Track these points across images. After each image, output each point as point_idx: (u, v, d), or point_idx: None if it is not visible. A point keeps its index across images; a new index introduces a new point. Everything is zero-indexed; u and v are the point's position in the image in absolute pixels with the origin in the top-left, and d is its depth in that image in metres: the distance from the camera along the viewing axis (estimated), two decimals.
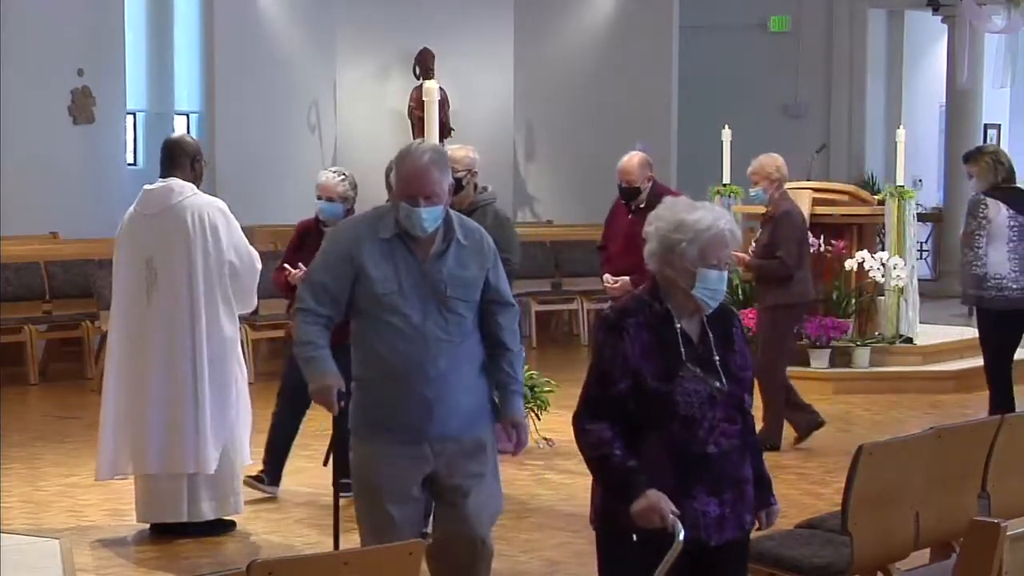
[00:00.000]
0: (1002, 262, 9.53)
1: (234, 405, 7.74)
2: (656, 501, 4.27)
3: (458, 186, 8.15)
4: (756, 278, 9.98)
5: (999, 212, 9.56)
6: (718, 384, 4.40)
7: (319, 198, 8.58)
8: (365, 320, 5.29)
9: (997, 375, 9.79)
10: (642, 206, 9.30)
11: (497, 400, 5.43)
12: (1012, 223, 9.56)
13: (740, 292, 13.23)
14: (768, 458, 10.44)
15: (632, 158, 9.44)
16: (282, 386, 8.67)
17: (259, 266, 7.82)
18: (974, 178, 9.79)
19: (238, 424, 7.79)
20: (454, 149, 8.35)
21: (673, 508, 4.29)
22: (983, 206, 9.59)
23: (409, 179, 5.21)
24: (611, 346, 4.40)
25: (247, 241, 7.84)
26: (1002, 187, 9.65)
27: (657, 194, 9.40)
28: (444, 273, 5.26)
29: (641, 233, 9.91)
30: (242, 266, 7.71)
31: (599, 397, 4.40)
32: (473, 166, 8.33)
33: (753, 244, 10.14)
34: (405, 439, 5.27)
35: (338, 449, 5.72)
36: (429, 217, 5.20)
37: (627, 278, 9.05)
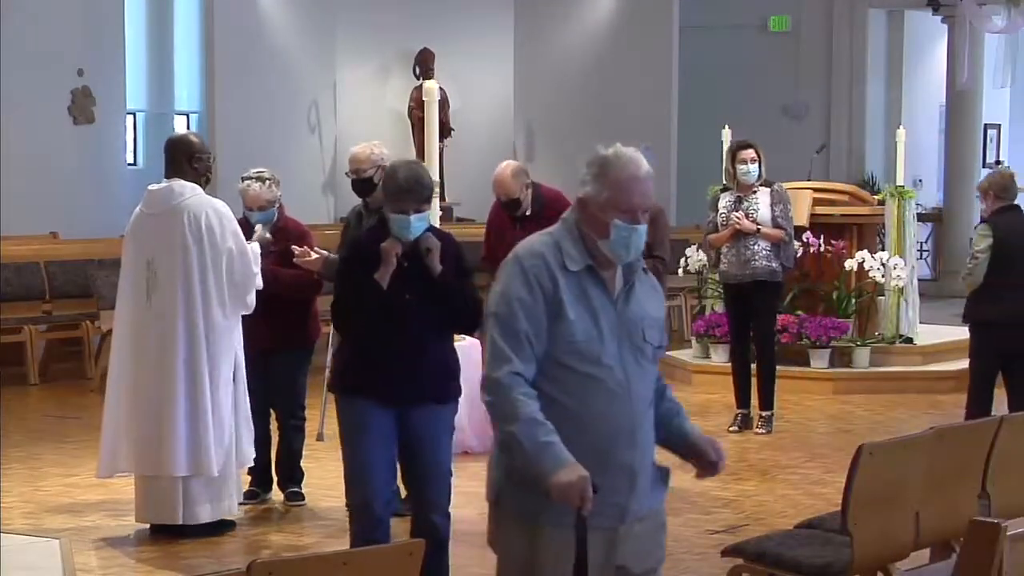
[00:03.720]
0: None
1: (228, 407, 7.73)
2: None
3: (371, 185, 8.04)
4: None
5: None
6: None
7: (248, 209, 8.30)
8: (554, 372, 4.22)
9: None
10: (527, 214, 8.94)
11: (678, 431, 4.48)
12: None
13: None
14: (769, 458, 10.51)
15: (504, 170, 9.01)
16: None
17: (255, 269, 7.77)
18: (756, 163, 10.56)
19: (236, 426, 7.79)
20: (359, 149, 8.19)
21: None
22: None
23: (630, 189, 4.26)
24: None
25: (244, 242, 7.82)
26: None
27: (541, 199, 9.00)
28: (638, 314, 4.32)
29: None
30: (238, 265, 7.70)
31: None
32: (381, 161, 8.04)
33: None
34: (599, 522, 4.20)
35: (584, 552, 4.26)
36: (644, 237, 4.33)
37: None
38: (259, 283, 7.82)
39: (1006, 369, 9.35)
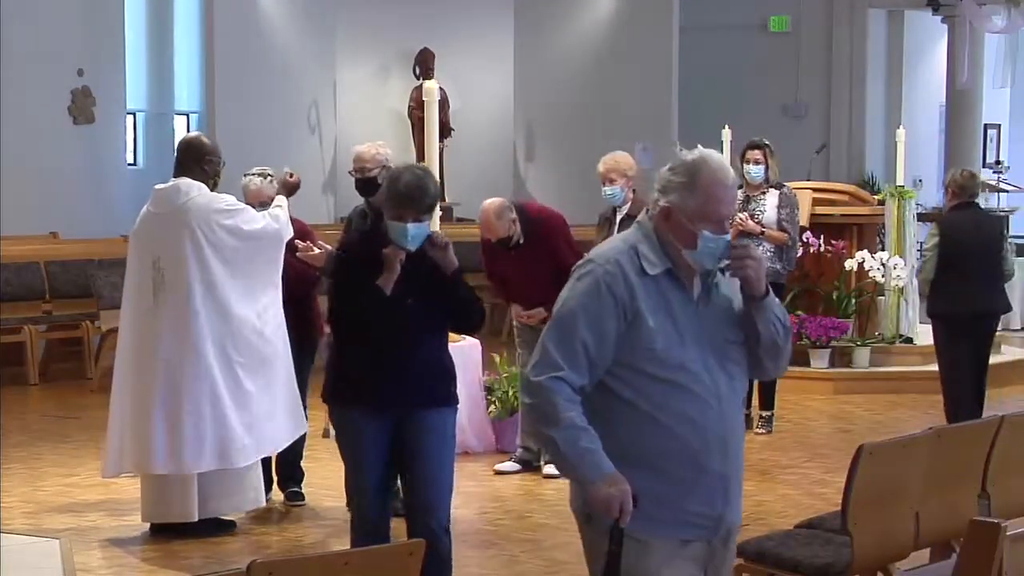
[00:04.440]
0: None
1: (246, 403, 7.71)
2: None
3: (375, 184, 8.02)
4: None
5: None
6: None
7: (249, 204, 8.24)
8: (634, 380, 4.08)
9: None
10: (521, 242, 8.98)
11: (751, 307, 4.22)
12: None
13: None
14: (769, 458, 10.50)
15: (488, 215, 8.92)
16: None
17: (280, 230, 7.79)
18: (761, 165, 10.59)
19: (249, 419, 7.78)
20: (363, 148, 8.20)
21: None
22: None
23: (720, 199, 4.11)
24: None
25: (258, 224, 7.78)
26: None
27: (530, 222, 9.00)
28: (721, 314, 4.20)
29: (531, 267, 9.42)
30: (258, 233, 7.71)
31: None
32: (385, 162, 8.10)
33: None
34: (693, 535, 4.12)
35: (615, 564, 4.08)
36: (728, 245, 4.18)
37: (540, 310, 8.70)
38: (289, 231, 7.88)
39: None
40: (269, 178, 8.40)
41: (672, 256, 4.11)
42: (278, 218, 7.88)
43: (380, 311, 5.94)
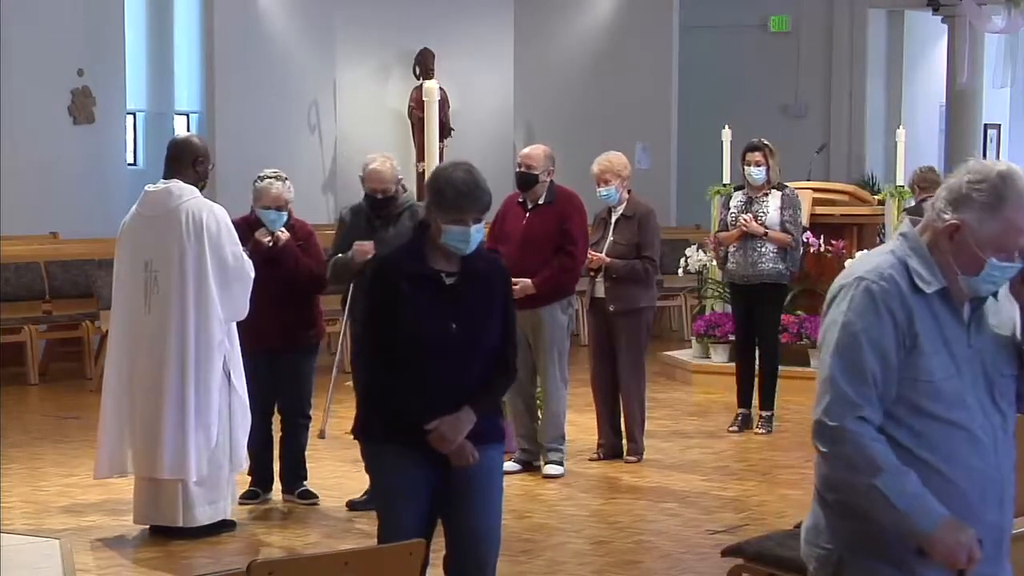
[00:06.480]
0: None
1: (219, 411, 7.68)
2: None
3: (394, 200, 8.27)
4: (616, 279, 9.44)
5: None
6: None
7: (265, 208, 8.27)
8: (912, 420, 3.61)
9: None
10: (540, 202, 9.13)
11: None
12: None
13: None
14: (769, 458, 10.50)
15: (538, 147, 9.38)
16: None
17: (251, 274, 7.71)
18: (762, 167, 10.51)
19: (231, 428, 7.74)
20: (380, 165, 8.31)
21: None
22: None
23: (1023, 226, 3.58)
24: None
25: (241, 249, 7.79)
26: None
27: (556, 192, 9.22)
28: (993, 343, 3.70)
29: (538, 233, 9.69)
30: (233, 273, 7.68)
31: None
32: (400, 175, 8.39)
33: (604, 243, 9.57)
34: None
35: None
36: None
37: (527, 281, 8.83)
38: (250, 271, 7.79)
39: None
40: (287, 182, 8.40)
41: (946, 276, 3.62)
42: (244, 262, 7.78)
43: (416, 341, 5.17)
